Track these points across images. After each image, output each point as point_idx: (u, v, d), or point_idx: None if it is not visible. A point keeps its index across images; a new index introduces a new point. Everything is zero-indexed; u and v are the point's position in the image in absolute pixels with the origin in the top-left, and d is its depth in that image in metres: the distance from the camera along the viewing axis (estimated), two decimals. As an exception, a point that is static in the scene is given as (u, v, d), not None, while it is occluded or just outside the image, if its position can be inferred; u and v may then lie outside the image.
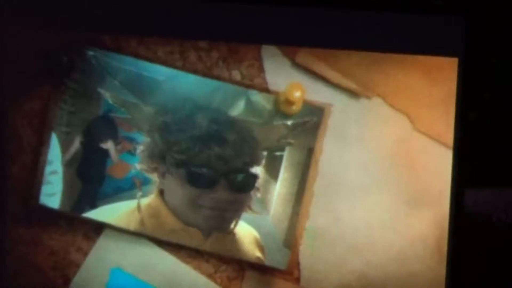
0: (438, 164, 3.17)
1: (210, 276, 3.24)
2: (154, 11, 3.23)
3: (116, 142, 3.28)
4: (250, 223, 3.24)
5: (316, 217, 3.19)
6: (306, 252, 3.20)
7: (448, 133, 3.15)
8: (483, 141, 3.63)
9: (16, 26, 3.19)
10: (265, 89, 3.18)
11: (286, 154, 3.21)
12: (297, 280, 3.21)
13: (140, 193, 3.22)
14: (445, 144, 3.16)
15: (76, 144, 3.26)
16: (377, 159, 3.16)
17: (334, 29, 3.16)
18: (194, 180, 3.15)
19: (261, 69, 3.20)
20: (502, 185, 3.93)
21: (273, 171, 3.22)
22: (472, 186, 3.35)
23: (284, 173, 3.21)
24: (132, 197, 3.23)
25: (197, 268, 3.23)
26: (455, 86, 3.15)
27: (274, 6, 3.23)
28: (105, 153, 3.26)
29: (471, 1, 3.26)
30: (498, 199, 3.97)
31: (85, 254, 3.25)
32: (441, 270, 3.16)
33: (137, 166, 3.22)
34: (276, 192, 3.23)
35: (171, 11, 3.22)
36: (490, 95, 3.63)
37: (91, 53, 3.21)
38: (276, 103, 3.17)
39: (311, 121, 3.19)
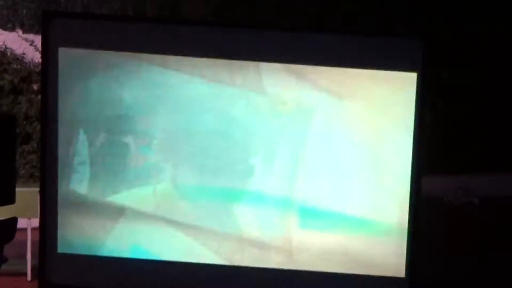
0: (402, 157, 3.58)
1: (215, 251, 3.62)
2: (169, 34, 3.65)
3: (136, 137, 3.67)
4: (250, 202, 3.67)
5: (308, 197, 3.60)
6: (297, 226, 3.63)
7: (409, 133, 3.55)
8: (436, 139, 4.12)
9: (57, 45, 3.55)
10: (263, 92, 3.58)
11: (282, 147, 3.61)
12: (290, 251, 3.62)
13: (155, 181, 3.62)
14: (407, 141, 3.56)
15: (102, 139, 3.62)
16: (356, 152, 3.58)
17: (321, 49, 3.59)
18: (203, 169, 3.58)
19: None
20: (452, 173, 4.46)
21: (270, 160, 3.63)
22: (428, 174, 3.73)
23: (280, 162, 3.61)
24: (149, 184, 3.61)
25: (204, 244, 3.62)
26: (415, 94, 3.56)
27: (269, 30, 3.67)
28: (126, 146, 3.63)
29: (427, 28, 3.76)
30: (449, 185, 4.49)
31: (109, 233, 3.61)
32: (403, 242, 3.59)
33: (153, 157, 3.62)
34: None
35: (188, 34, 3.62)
36: (442, 102, 4.14)
37: (113, 60, 3.57)
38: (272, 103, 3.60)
39: (303, 118, 3.61)
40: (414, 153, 3.57)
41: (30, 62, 7.34)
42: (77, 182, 3.60)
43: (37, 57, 7.00)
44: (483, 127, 5.21)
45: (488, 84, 5.20)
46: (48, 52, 3.58)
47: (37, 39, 6.78)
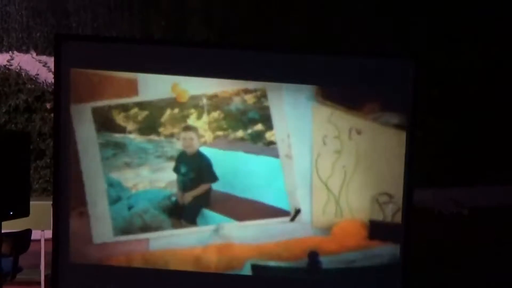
0: (396, 171, 3.57)
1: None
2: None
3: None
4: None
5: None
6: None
7: (401, 148, 3.56)
8: (427, 153, 4.15)
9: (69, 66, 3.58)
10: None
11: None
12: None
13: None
14: (399, 156, 3.56)
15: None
16: (359, 166, 3.59)
17: (318, 69, 3.61)
18: None
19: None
20: (442, 186, 4.50)
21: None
22: (419, 187, 3.74)
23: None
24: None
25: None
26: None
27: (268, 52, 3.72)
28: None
29: (418, 49, 3.81)
30: (439, 197, 4.52)
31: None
32: (397, 249, 3.58)
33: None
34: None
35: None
36: (432, 119, 4.19)
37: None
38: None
39: None
40: (406, 168, 3.55)
41: (43, 82, 7.38)
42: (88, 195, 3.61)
43: (50, 78, 7.05)
44: (471, 143, 5.26)
45: (476, 101, 5.26)
46: (60, 73, 3.59)
47: (50, 61, 6.84)
